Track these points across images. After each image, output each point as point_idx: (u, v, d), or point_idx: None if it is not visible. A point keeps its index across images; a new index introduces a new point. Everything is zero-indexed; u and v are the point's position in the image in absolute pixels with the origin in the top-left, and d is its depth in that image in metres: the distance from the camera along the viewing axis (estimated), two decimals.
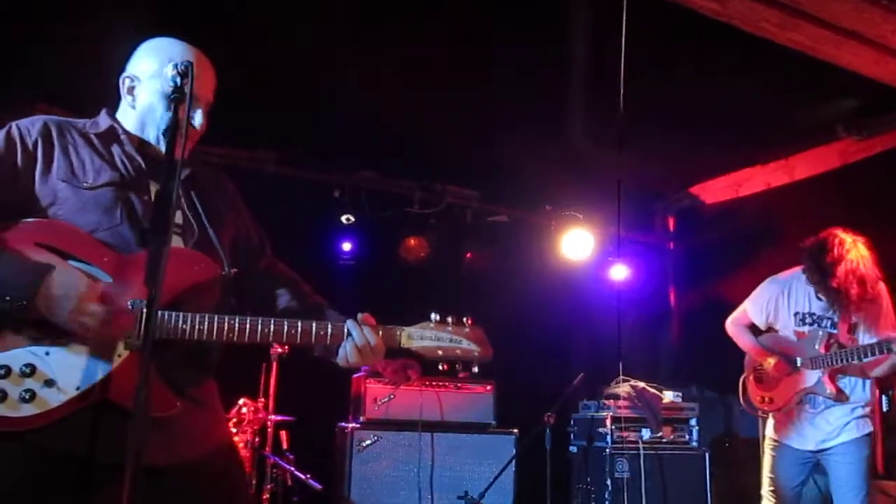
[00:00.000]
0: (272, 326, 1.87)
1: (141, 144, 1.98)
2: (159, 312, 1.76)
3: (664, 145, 5.19)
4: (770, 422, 3.87)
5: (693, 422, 5.11)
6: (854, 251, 3.55)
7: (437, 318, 2.01)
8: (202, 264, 1.90)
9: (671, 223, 6.84)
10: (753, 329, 3.98)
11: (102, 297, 1.73)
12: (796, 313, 3.76)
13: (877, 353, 3.38)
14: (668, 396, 5.14)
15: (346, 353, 1.94)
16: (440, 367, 2.03)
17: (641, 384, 5.06)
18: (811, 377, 3.63)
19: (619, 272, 6.20)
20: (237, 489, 2.05)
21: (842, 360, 3.50)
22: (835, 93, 4.68)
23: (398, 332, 1.98)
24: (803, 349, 3.68)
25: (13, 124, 1.90)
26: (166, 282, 1.75)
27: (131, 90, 2.01)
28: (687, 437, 5.07)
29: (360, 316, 1.97)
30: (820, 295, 3.67)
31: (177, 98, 1.80)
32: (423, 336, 1.99)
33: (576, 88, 4.57)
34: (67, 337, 1.72)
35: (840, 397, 3.58)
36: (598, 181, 5.50)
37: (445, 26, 4.10)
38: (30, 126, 1.90)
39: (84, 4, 3.72)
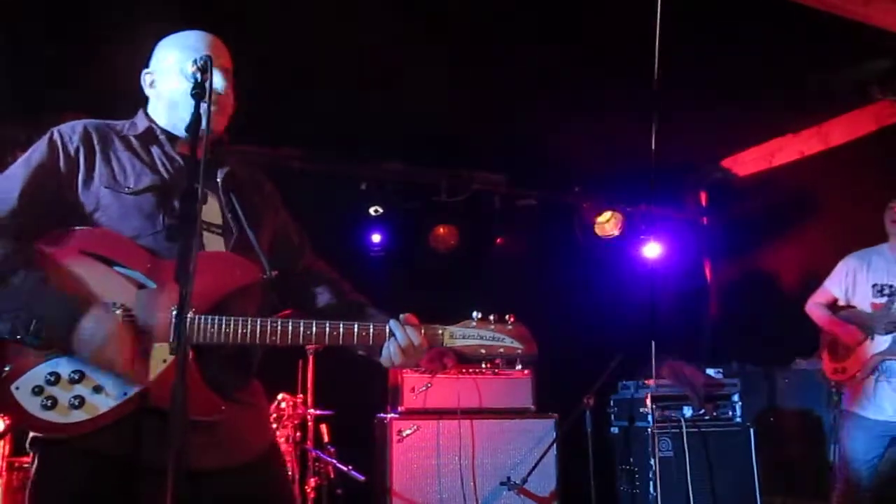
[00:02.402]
0: (314, 328, 1.87)
1: (178, 143, 1.98)
2: (202, 317, 1.77)
3: (694, 119, 5.09)
4: (845, 394, 3.91)
5: (735, 397, 5.04)
6: None
7: (479, 315, 1.99)
8: (244, 268, 1.90)
9: (703, 198, 6.72)
10: (834, 307, 4.07)
11: (130, 338, 1.73)
12: (874, 284, 3.84)
13: None
14: (709, 373, 5.07)
15: (391, 354, 1.92)
16: (483, 365, 2.01)
17: (680, 362, 4.99)
18: (884, 342, 3.67)
19: (653, 250, 6.13)
20: (285, 488, 2.08)
21: None
22: (867, 54, 4.54)
23: (441, 332, 1.95)
24: (879, 318, 3.74)
25: (54, 130, 1.91)
26: (210, 286, 1.78)
27: (152, 84, 2.02)
28: (730, 413, 5.00)
29: (402, 316, 1.95)
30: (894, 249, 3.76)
31: (197, 94, 1.78)
32: (465, 335, 1.96)
33: (605, 64, 4.49)
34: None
35: None
36: (627, 159, 5.43)
37: (468, 9, 4.05)
38: (71, 132, 1.91)
39: (112, 7, 3.74)
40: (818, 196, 5.56)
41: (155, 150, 1.97)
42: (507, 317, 2.01)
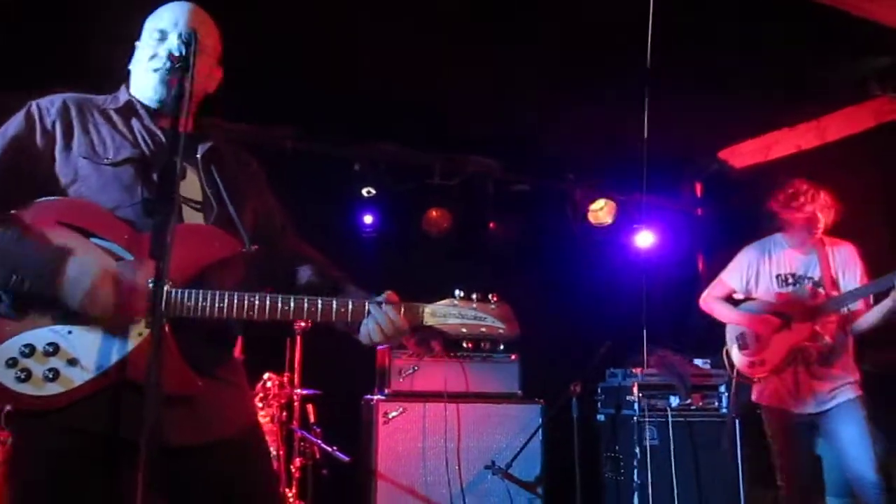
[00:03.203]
0: (292, 303, 1.84)
1: (158, 117, 1.96)
2: (179, 290, 1.75)
3: (691, 109, 5.06)
4: (757, 388, 3.84)
5: (722, 389, 5.04)
6: (812, 192, 3.72)
7: (461, 294, 1.95)
8: (222, 241, 1.88)
9: (699, 189, 6.70)
10: (730, 301, 4.03)
11: (119, 280, 1.72)
12: (778, 275, 3.80)
13: (881, 287, 3.42)
14: (697, 364, 5.08)
15: (369, 331, 1.90)
16: (464, 345, 1.98)
17: (668, 351, 5.00)
18: (804, 331, 3.63)
19: (645, 239, 6.11)
20: (266, 466, 2.08)
21: (839, 305, 3.57)
22: (867, 49, 4.51)
23: (421, 309, 1.92)
24: (793, 307, 3.69)
25: (32, 103, 1.90)
26: (188, 259, 1.75)
27: (131, 59, 2.02)
28: (716, 403, 5.01)
29: (384, 294, 1.93)
30: (792, 239, 3.75)
31: (181, 67, 1.78)
32: (446, 313, 1.93)
33: (601, 52, 4.46)
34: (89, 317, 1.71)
35: (835, 349, 3.58)
36: (623, 147, 5.40)
37: None
38: (49, 105, 1.90)
39: None
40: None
41: (135, 123, 1.95)
42: (490, 296, 1.98)
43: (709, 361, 5.16)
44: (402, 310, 1.90)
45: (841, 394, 3.59)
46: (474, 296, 1.96)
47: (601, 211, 6.06)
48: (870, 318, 3.54)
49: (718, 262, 6.49)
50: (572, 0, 4.02)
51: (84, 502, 1.70)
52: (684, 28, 4.08)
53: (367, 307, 1.90)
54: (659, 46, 3.63)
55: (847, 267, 3.69)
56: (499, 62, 4.67)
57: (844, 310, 3.59)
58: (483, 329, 1.94)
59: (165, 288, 1.64)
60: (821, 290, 3.68)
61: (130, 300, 1.71)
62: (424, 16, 4.15)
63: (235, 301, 1.79)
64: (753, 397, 3.88)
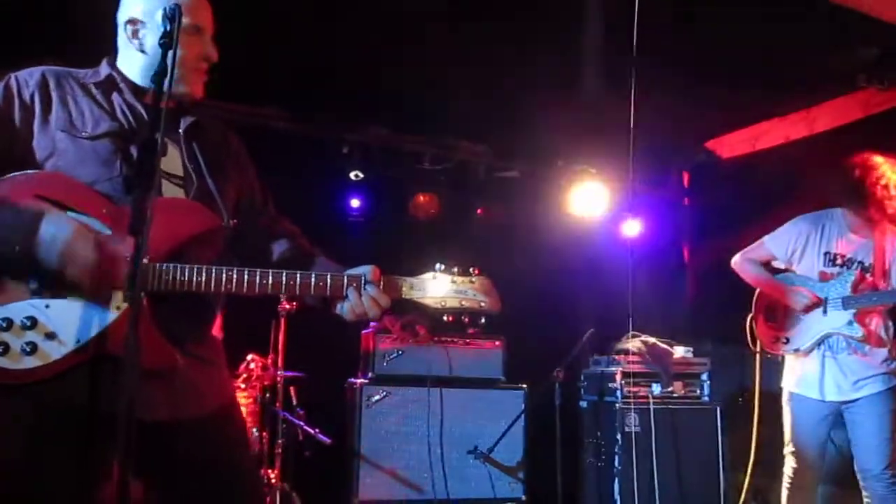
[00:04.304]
0: (271, 278, 1.83)
1: (140, 93, 1.94)
2: (157, 265, 1.74)
3: (679, 98, 5.06)
4: (785, 373, 3.70)
5: (705, 377, 5.08)
6: (885, 166, 3.40)
7: (442, 267, 1.94)
8: (201, 215, 1.87)
9: (686, 178, 6.72)
10: (768, 269, 3.80)
11: (97, 240, 1.71)
12: (826, 253, 3.57)
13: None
14: (680, 351, 5.11)
15: (351, 305, 1.89)
16: (445, 319, 1.96)
17: (652, 339, 5.03)
18: (839, 318, 3.45)
19: (632, 228, 6.13)
20: (240, 445, 2.06)
21: (879, 301, 3.37)
22: (856, 40, 4.51)
23: (401, 283, 1.92)
24: (831, 290, 3.50)
25: (11, 76, 1.88)
26: (166, 233, 1.75)
27: (136, 33, 1.95)
28: (698, 391, 5.05)
29: (368, 268, 1.91)
30: (855, 221, 3.50)
31: (164, 44, 1.74)
32: (426, 287, 1.92)
33: (590, 39, 4.44)
34: (67, 290, 1.71)
35: (869, 340, 3.42)
36: (612, 136, 5.39)
37: None
38: (28, 77, 1.88)
39: None
40: (802, 181, 5.55)
41: (116, 97, 1.93)
42: (471, 269, 1.96)
43: (691, 350, 5.19)
44: (383, 283, 1.89)
45: (868, 385, 3.43)
46: (455, 269, 1.95)
47: (589, 199, 6.06)
48: None
49: (704, 252, 6.57)
50: None
51: (60, 476, 1.70)
52: (672, 17, 4.07)
53: (345, 281, 1.88)
54: (647, 35, 3.61)
55: None
56: (489, 49, 4.65)
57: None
58: (464, 302, 1.93)
59: (144, 261, 1.64)
60: (869, 276, 3.47)
61: (110, 264, 1.70)
62: (416, 5, 4.12)
63: (214, 275, 1.79)
64: (782, 383, 3.71)
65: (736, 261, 3.85)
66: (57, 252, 1.67)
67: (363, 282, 1.88)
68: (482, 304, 1.93)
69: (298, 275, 1.86)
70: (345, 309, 1.91)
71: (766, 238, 3.80)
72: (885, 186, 3.38)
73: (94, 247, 1.70)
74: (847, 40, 4.49)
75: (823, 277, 3.56)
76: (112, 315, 1.72)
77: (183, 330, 1.84)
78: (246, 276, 1.81)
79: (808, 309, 3.54)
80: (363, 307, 1.88)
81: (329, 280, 1.88)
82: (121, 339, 1.68)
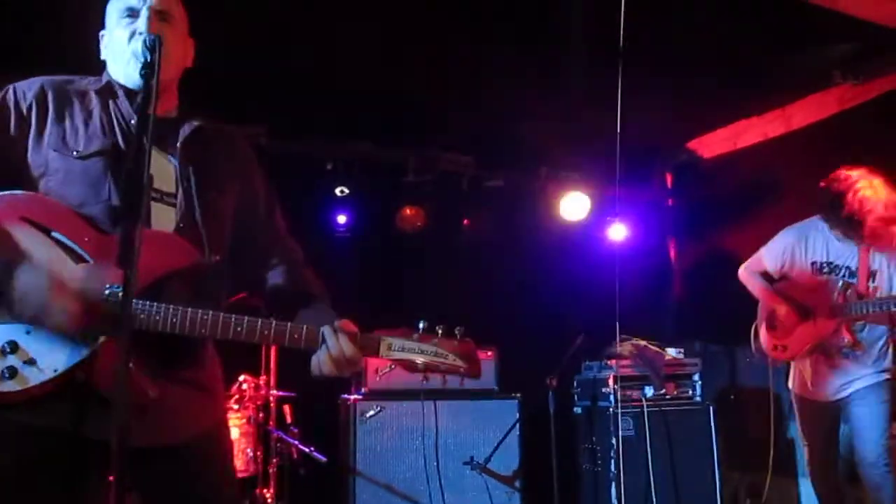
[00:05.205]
0: (245, 325, 1.80)
1: (133, 97, 1.92)
2: (135, 302, 1.71)
3: (659, 101, 5.10)
4: (790, 375, 3.89)
5: (696, 377, 5.11)
6: (864, 181, 3.50)
7: (425, 326, 1.88)
8: (181, 251, 1.84)
9: (669, 179, 6.76)
10: (767, 278, 3.94)
11: (73, 292, 1.68)
12: (813, 262, 3.70)
13: (890, 306, 3.36)
14: (670, 353, 5.13)
15: (319, 362, 1.83)
16: (422, 378, 1.91)
17: (643, 342, 5.05)
18: (827, 327, 3.58)
19: (618, 232, 6.16)
20: (223, 472, 2.02)
21: (861, 311, 3.47)
22: (829, 37, 4.57)
23: (378, 342, 1.85)
24: (820, 298, 3.61)
25: (10, 87, 1.87)
26: (144, 267, 1.71)
27: (101, 43, 2.00)
28: (690, 392, 5.07)
29: (337, 322, 1.86)
30: (836, 233, 3.62)
31: (146, 73, 1.72)
32: (405, 347, 1.85)
33: (570, 46, 4.47)
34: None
35: (857, 347, 3.55)
36: (593, 141, 5.42)
37: None
38: (26, 89, 1.87)
39: None
40: (782, 178, 5.60)
41: (113, 106, 1.92)
42: (455, 331, 1.90)
43: (682, 350, 5.22)
44: (358, 341, 1.84)
45: (859, 380, 3.57)
46: (438, 330, 1.88)
47: (573, 205, 6.09)
48: None
49: (690, 252, 6.61)
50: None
51: (39, 501, 1.70)
52: (649, 20, 4.10)
53: (321, 335, 1.83)
54: (626, 38, 3.64)
55: (893, 262, 3.58)
56: (469, 58, 4.67)
57: (873, 310, 3.47)
58: (443, 367, 1.87)
59: (119, 296, 1.62)
60: (854, 282, 3.58)
61: (86, 312, 1.68)
62: (395, 14, 4.14)
63: (188, 318, 1.76)
64: (789, 384, 3.90)
65: (741, 273, 4.02)
66: (31, 310, 1.66)
67: (338, 337, 1.82)
68: (462, 369, 1.87)
69: (273, 324, 1.82)
70: (317, 365, 1.84)
71: (762, 249, 3.95)
72: (862, 200, 3.47)
73: (70, 302, 1.67)
74: (821, 37, 4.54)
75: (815, 286, 3.68)
76: (89, 347, 1.71)
77: (168, 357, 1.82)
78: (220, 321, 1.79)
79: (794, 321, 3.69)
80: (333, 365, 1.81)
81: (304, 332, 1.83)
82: (99, 370, 1.69)
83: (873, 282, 3.57)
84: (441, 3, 4.13)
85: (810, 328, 3.65)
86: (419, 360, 1.85)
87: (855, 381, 3.59)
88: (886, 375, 3.55)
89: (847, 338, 3.54)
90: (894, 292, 3.51)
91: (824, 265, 3.68)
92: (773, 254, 3.87)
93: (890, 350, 3.62)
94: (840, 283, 3.59)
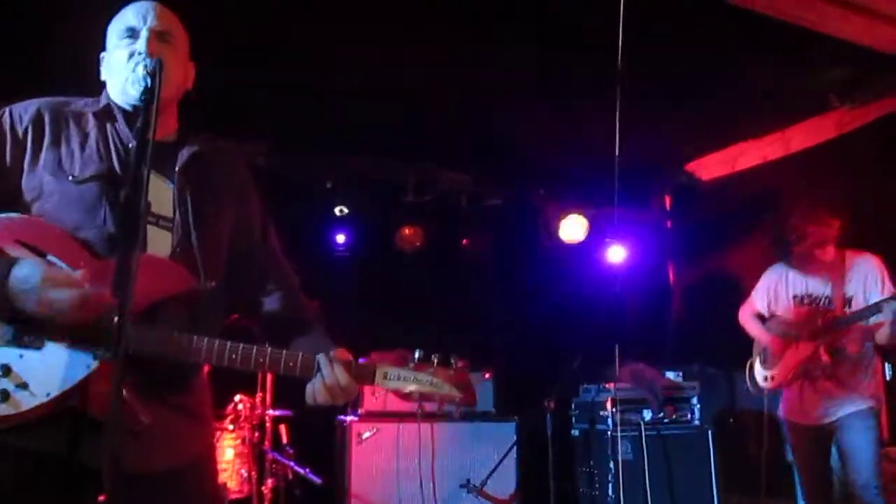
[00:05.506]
0: (240, 352, 1.78)
1: (131, 119, 1.91)
2: (129, 326, 1.69)
3: (658, 123, 5.12)
4: (780, 402, 4.00)
5: (695, 400, 5.08)
6: (796, 213, 3.82)
7: (420, 356, 1.87)
8: (176, 276, 1.83)
9: (668, 201, 6.77)
10: (761, 319, 4.14)
11: (73, 281, 1.67)
12: (794, 296, 3.91)
13: (866, 316, 3.55)
14: (669, 376, 5.11)
15: (314, 391, 1.81)
16: (417, 407, 1.89)
17: (641, 365, 5.03)
18: (807, 350, 3.75)
19: (617, 254, 6.16)
20: (211, 501, 2.01)
21: (835, 328, 3.66)
22: (825, 62, 4.60)
23: (373, 370, 1.84)
24: (802, 326, 3.81)
25: (7, 109, 1.86)
26: (139, 292, 1.70)
27: (102, 64, 2.00)
28: (689, 415, 5.04)
29: (332, 352, 1.85)
30: (793, 263, 3.86)
31: (146, 98, 1.72)
32: (400, 376, 1.83)
33: (571, 67, 4.49)
34: (42, 340, 1.69)
35: (839, 369, 3.68)
36: (592, 162, 5.44)
37: (437, 10, 4.01)
38: (23, 112, 1.86)
39: None
40: (780, 200, 5.61)
41: (111, 129, 1.91)
42: (452, 360, 1.89)
43: (681, 373, 5.20)
44: (353, 369, 1.83)
45: (845, 406, 3.68)
46: (434, 359, 1.87)
47: (572, 226, 6.10)
48: (881, 334, 3.59)
49: (689, 274, 6.61)
50: (542, 18, 4.05)
51: None
52: (649, 43, 4.13)
53: (316, 363, 1.82)
54: (626, 61, 3.67)
55: (868, 280, 3.72)
56: (470, 79, 4.70)
57: (845, 326, 3.66)
58: (437, 397, 1.86)
59: (114, 320, 1.62)
60: (832, 308, 3.75)
61: (85, 304, 1.66)
62: (395, 33, 4.17)
63: (182, 344, 1.76)
64: (778, 411, 4.03)
65: (739, 318, 4.22)
66: (33, 301, 1.64)
67: (333, 367, 1.81)
68: (457, 399, 1.86)
69: (269, 351, 1.81)
70: (312, 394, 1.83)
71: (753, 293, 4.17)
72: (795, 226, 3.79)
73: (69, 289, 1.66)
74: (817, 62, 4.58)
75: (797, 316, 3.88)
76: (82, 372, 1.70)
77: (160, 382, 1.81)
78: (215, 348, 1.77)
79: (780, 349, 3.89)
80: (328, 394, 1.80)
81: (299, 360, 1.82)
82: (92, 395, 1.68)
83: (849, 308, 3.74)
84: (441, 24, 4.16)
85: (793, 353, 3.82)
86: (414, 389, 1.85)
87: (841, 406, 3.69)
88: (872, 403, 3.66)
89: (825, 358, 3.68)
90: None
91: (805, 297, 3.87)
92: (760, 294, 4.09)
93: (874, 374, 3.75)
94: (819, 309, 3.79)
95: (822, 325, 3.72)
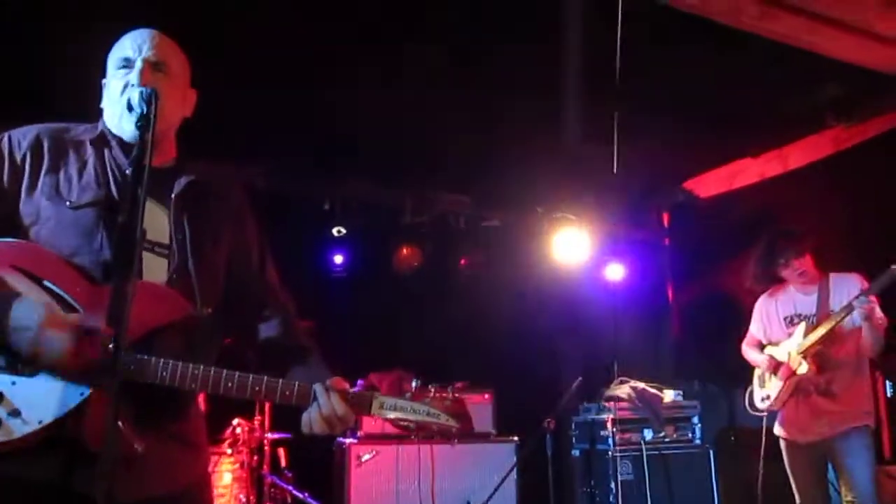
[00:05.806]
0: (236, 380, 1.77)
1: (128, 148, 1.89)
2: (125, 355, 1.67)
3: (656, 142, 5.14)
4: (776, 422, 4.03)
5: (695, 419, 5.07)
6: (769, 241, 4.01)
7: (418, 385, 1.90)
8: (172, 304, 1.82)
9: (666, 219, 6.78)
10: (762, 348, 4.22)
11: (68, 324, 1.67)
12: (785, 317, 4.02)
13: (842, 317, 3.64)
14: (669, 395, 5.09)
15: (310, 420, 1.80)
16: (411, 436, 1.88)
17: (641, 384, 5.01)
18: (795, 363, 3.83)
19: (615, 272, 6.15)
20: None
21: (817, 335, 3.74)
22: (821, 81, 4.63)
23: (370, 399, 1.83)
24: (790, 344, 3.90)
25: (6, 135, 1.86)
26: (135, 319, 1.70)
27: (103, 91, 1.99)
28: (690, 434, 5.02)
29: (328, 381, 1.83)
30: (779, 289, 4.03)
31: (142, 126, 1.72)
32: (397, 406, 1.83)
33: (568, 87, 4.51)
34: (35, 368, 1.68)
35: (832, 384, 3.73)
36: (591, 181, 5.46)
37: (433, 29, 4.03)
38: (21, 138, 1.85)
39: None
40: (778, 217, 5.62)
41: (108, 156, 1.90)
42: (448, 388, 1.90)
43: (680, 392, 5.18)
44: (350, 399, 1.82)
45: (839, 424, 3.71)
46: (432, 389, 1.91)
47: (570, 245, 6.09)
48: (865, 339, 3.67)
49: (688, 291, 6.60)
50: (542, 39, 4.07)
51: None
52: (648, 61, 4.15)
53: (312, 392, 1.80)
54: (624, 79, 3.70)
55: (851, 294, 3.76)
56: (468, 99, 4.72)
57: (824, 331, 3.73)
58: (434, 427, 1.85)
59: (110, 347, 1.61)
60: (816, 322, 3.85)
61: (81, 349, 1.66)
62: (393, 56, 4.19)
63: (179, 372, 1.74)
64: (775, 430, 4.05)
65: (742, 350, 4.30)
66: (27, 342, 1.64)
67: (330, 396, 1.79)
68: (454, 428, 1.85)
69: (265, 380, 1.79)
70: (308, 423, 1.81)
71: (751, 325, 4.26)
72: (784, 265, 3.93)
73: (66, 333, 1.66)
74: (815, 81, 4.61)
75: (789, 335, 3.98)
76: (76, 399, 1.68)
77: (155, 409, 1.80)
78: (211, 376, 1.77)
79: (772, 366, 3.96)
80: (325, 424, 1.78)
81: (295, 389, 1.80)
82: (85, 423, 1.66)
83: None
84: (440, 47, 4.18)
85: (786, 370, 3.88)
86: (411, 419, 1.84)
87: (835, 423, 3.72)
88: (867, 420, 3.71)
89: (811, 367, 3.74)
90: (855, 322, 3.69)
91: (794, 317, 3.97)
92: (755, 322, 4.20)
93: (868, 390, 3.81)
94: (804, 327, 3.87)
95: (806, 336, 3.83)
